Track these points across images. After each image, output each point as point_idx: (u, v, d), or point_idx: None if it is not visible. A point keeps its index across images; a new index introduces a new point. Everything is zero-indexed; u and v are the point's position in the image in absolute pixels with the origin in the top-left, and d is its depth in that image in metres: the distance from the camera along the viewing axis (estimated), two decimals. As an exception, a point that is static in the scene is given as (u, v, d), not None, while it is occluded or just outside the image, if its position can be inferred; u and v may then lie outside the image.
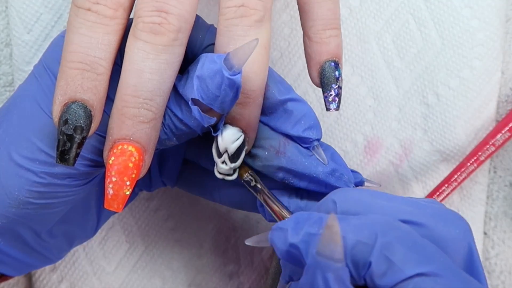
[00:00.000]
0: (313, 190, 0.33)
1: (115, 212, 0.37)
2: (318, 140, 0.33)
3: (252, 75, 0.31)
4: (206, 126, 0.31)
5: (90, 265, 0.45)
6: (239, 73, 0.29)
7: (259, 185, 0.33)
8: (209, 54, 0.30)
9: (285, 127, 0.33)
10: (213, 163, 0.33)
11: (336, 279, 0.25)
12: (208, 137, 0.34)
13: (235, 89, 0.30)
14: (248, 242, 0.32)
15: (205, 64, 0.30)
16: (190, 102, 0.30)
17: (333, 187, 0.33)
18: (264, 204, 0.34)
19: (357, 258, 0.26)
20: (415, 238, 0.27)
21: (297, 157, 0.33)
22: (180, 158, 0.37)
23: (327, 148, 0.34)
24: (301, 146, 0.33)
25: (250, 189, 0.34)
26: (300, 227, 0.28)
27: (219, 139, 0.32)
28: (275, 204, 0.34)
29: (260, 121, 0.33)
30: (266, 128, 0.33)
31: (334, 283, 0.25)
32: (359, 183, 0.34)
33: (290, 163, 0.33)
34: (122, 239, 0.45)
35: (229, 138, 0.32)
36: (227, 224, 0.45)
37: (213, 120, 0.31)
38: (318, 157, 0.33)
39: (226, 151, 0.32)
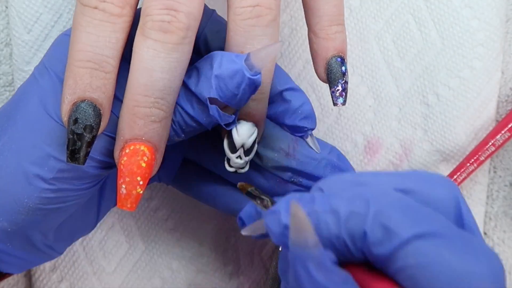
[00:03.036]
0: None
1: (114, 204, 0.37)
2: (313, 129, 0.34)
3: (268, 73, 0.31)
4: (223, 124, 0.31)
5: (90, 265, 0.45)
6: (260, 73, 0.30)
7: (264, 197, 0.33)
8: (225, 53, 0.30)
9: (282, 117, 0.34)
10: (215, 162, 0.33)
11: (317, 267, 0.24)
12: (208, 136, 0.34)
13: (254, 87, 0.30)
14: (244, 232, 0.31)
15: (223, 64, 0.30)
16: (207, 101, 0.30)
17: None
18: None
19: (352, 230, 0.25)
20: (408, 202, 0.26)
21: (307, 159, 0.33)
22: (180, 157, 0.37)
23: (332, 150, 0.35)
24: (295, 135, 0.34)
25: (252, 199, 0.34)
26: None
27: (235, 135, 0.32)
28: None
29: None
30: (275, 129, 0.34)
31: (316, 271, 0.24)
32: None
33: (300, 165, 0.33)
34: (122, 239, 0.45)
35: (246, 133, 0.32)
36: (227, 224, 0.45)
37: (232, 118, 0.31)
38: (311, 146, 0.34)
39: (242, 146, 0.32)
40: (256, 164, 0.34)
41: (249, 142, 0.32)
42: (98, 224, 0.44)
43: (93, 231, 0.44)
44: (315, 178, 0.33)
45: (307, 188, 0.34)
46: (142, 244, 0.45)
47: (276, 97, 0.33)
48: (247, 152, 0.32)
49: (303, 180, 0.34)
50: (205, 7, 0.32)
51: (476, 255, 0.24)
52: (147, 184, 0.39)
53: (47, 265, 0.44)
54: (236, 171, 0.34)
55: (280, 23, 0.43)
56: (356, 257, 0.26)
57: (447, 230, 0.25)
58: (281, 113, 0.33)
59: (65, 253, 0.44)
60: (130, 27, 0.30)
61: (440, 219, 0.25)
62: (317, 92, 0.43)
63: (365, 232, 0.25)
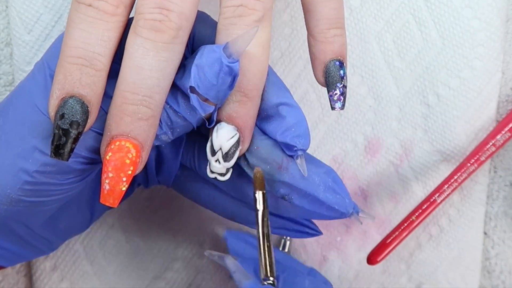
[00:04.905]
0: (313, 212, 0.33)
1: (110, 207, 0.37)
2: (304, 150, 0.33)
3: (249, 74, 0.31)
4: (203, 115, 0.31)
5: (90, 265, 0.45)
6: (237, 61, 0.30)
7: (261, 211, 0.32)
8: (208, 45, 0.30)
9: (274, 132, 0.32)
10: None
11: None
12: (205, 143, 0.34)
13: (232, 77, 0.30)
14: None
15: (204, 54, 0.30)
16: (188, 91, 0.30)
17: (333, 210, 0.33)
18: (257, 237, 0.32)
19: None
20: None
21: (299, 174, 0.32)
22: (178, 162, 0.37)
23: (329, 171, 0.34)
24: (285, 153, 0.33)
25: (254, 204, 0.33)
26: None
27: (214, 136, 0.32)
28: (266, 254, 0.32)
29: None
30: (270, 143, 0.33)
31: None
32: (355, 211, 0.34)
33: (292, 179, 0.32)
34: (122, 239, 0.45)
35: (224, 136, 0.32)
36: (227, 225, 0.45)
37: (211, 108, 0.31)
38: (299, 167, 0.33)
39: (220, 149, 0.32)
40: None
41: (226, 145, 0.31)
42: (99, 224, 0.44)
43: (93, 231, 0.44)
44: (308, 196, 0.33)
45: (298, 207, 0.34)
46: (142, 244, 0.45)
47: (270, 110, 0.32)
48: (226, 157, 0.32)
49: (295, 197, 0.33)
50: (211, 20, 0.33)
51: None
52: (147, 185, 0.39)
53: (48, 264, 0.44)
54: (216, 178, 0.33)
55: (281, 23, 0.43)
56: None
57: None
58: (274, 127, 0.32)
59: (65, 252, 0.44)
60: (124, 27, 0.30)
61: None
62: (317, 92, 0.43)
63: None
